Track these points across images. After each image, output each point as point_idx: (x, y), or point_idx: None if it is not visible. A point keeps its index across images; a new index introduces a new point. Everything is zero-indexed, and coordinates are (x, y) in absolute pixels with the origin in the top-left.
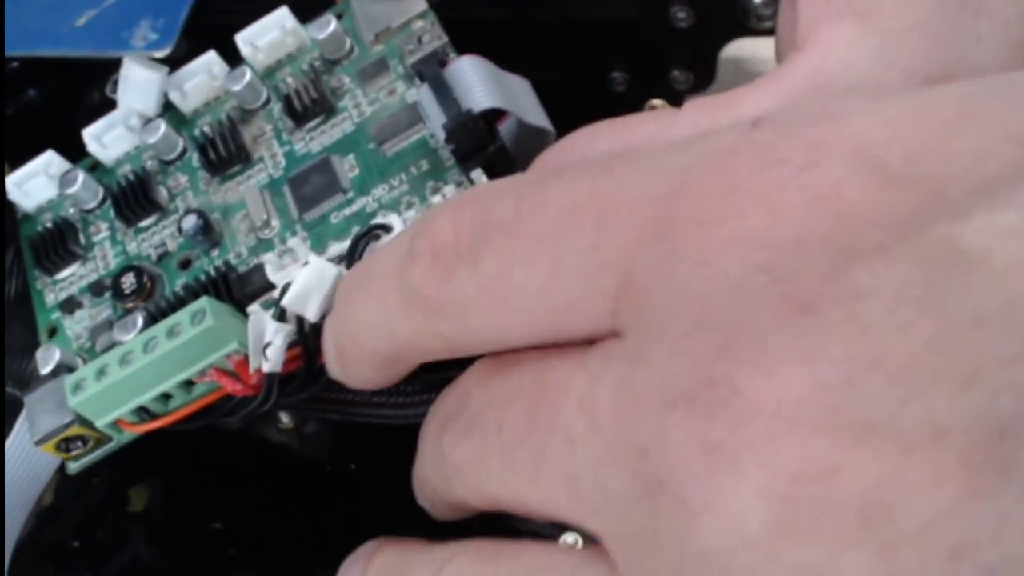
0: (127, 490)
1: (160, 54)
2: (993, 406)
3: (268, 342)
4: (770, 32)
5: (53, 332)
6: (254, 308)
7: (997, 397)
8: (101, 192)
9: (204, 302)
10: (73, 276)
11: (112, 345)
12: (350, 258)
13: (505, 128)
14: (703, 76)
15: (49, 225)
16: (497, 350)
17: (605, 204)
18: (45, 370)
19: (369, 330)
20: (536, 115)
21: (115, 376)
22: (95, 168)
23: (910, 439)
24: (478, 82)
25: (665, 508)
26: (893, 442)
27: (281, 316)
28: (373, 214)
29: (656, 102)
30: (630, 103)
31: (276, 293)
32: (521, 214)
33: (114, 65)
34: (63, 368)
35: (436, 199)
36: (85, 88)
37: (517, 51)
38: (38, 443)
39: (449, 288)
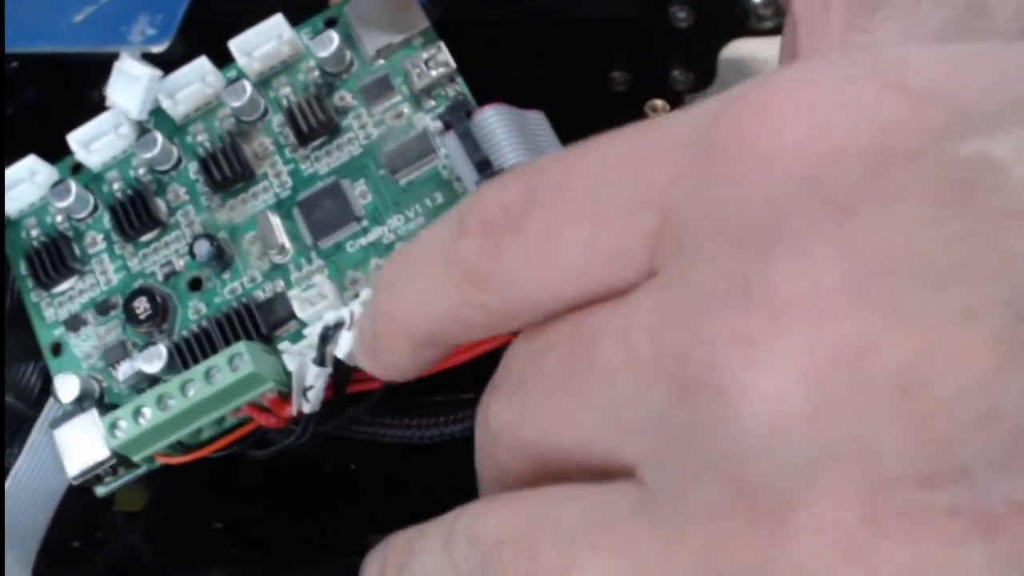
0: (127, 489)
1: (158, 49)
2: (1021, 294)
3: (310, 386)
4: (770, 32)
5: (58, 349)
6: (286, 346)
7: None
8: (92, 200)
9: (242, 347)
10: (72, 291)
11: (136, 374)
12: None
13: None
14: (703, 76)
15: (38, 234)
16: (540, 318)
17: (644, 152)
18: (66, 400)
19: (411, 308)
20: (554, 151)
21: (154, 419)
22: (78, 169)
23: (942, 320)
24: (505, 138)
25: (702, 405)
26: (925, 323)
27: (322, 361)
28: (391, 245)
29: (656, 102)
30: (630, 103)
31: (308, 331)
32: (563, 179)
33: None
34: (86, 398)
35: None
36: (85, 88)
37: (517, 52)
38: (74, 480)
39: (498, 258)
